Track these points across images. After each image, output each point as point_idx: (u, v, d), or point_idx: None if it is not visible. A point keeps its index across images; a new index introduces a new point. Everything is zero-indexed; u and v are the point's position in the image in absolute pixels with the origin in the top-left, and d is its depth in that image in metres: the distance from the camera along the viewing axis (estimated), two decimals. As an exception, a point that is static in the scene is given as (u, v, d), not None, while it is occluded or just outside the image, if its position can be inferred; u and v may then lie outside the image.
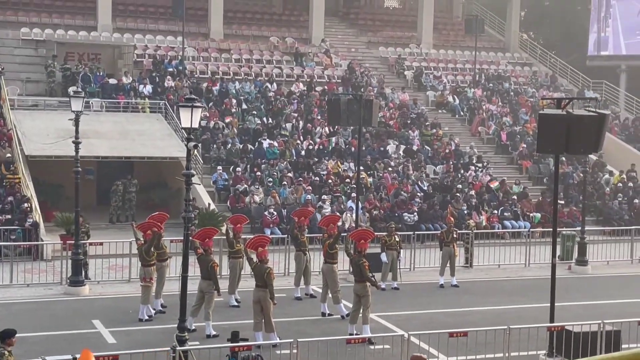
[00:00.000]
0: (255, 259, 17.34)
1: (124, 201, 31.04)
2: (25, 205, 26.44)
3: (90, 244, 23.49)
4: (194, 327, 17.66)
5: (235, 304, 20.40)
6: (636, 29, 46.36)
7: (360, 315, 17.69)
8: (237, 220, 22.04)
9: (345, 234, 21.94)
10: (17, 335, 12.74)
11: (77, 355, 13.28)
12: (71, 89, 28.80)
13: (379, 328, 18.38)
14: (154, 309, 19.47)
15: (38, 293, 21.88)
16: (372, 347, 15.74)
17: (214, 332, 17.33)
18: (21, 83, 35.57)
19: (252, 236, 25.69)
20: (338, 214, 27.80)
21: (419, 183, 33.43)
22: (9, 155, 29.20)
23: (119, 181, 31.19)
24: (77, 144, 21.86)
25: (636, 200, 33.99)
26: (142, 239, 19.66)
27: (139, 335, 17.58)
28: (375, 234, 23.43)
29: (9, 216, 25.98)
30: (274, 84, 38.97)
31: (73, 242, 22.00)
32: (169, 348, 14.09)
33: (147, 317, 19.00)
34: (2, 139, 29.85)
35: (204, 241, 18.25)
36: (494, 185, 34.04)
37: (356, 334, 17.03)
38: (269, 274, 16.86)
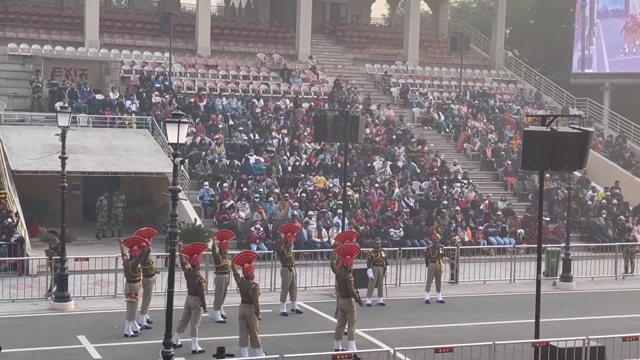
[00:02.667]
0: (241, 274, 17.32)
1: (110, 216, 30.99)
2: (9, 220, 26.34)
3: (76, 259, 23.38)
4: (179, 343, 17.59)
5: (221, 319, 20.31)
6: (619, 48, 46.69)
7: (346, 331, 17.68)
8: (224, 236, 21.92)
9: (331, 249, 21.95)
10: (2, 350, 12.68)
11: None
12: (58, 105, 28.86)
13: (365, 344, 18.33)
14: (140, 325, 19.36)
15: (23, 308, 21.72)
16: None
17: (199, 348, 17.23)
18: (8, 98, 35.46)
19: (238, 251, 25.74)
20: (298, 223, 27.93)
21: (405, 199, 33.46)
22: (-5, 170, 29.11)
23: (104, 196, 31.09)
24: (63, 159, 21.80)
25: (620, 217, 34.10)
26: (128, 254, 19.60)
27: (124, 351, 17.48)
28: (362, 249, 23.45)
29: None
30: (261, 100, 39.00)
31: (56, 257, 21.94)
32: (156, 363, 14.07)
33: (132, 333, 18.89)
34: (-12, 154, 29.74)
35: (192, 257, 18.20)
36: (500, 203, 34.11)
37: (342, 350, 16.99)
38: (254, 290, 16.79)
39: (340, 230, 26.77)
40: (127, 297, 19.31)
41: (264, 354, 15.82)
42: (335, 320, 18.89)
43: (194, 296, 17.64)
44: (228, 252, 21.26)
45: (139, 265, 19.21)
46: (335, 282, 18.96)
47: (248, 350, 16.45)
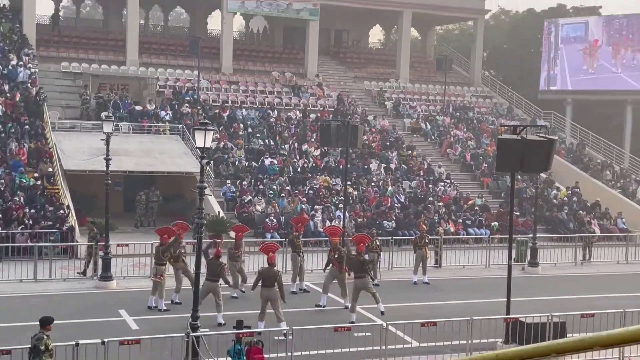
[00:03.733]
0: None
1: (146, 209, 31.13)
2: (62, 211, 26.44)
3: (118, 245, 23.51)
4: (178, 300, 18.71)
5: (236, 295, 20.52)
6: (580, 69, 46.69)
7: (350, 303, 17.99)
8: (239, 230, 22.29)
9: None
10: (54, 322, 12.70)
11: (106, 340, 13.27)
12: (103, 114, 28.83)
13: (362, 319, 18.37)
14: (172, 301, 19.49)
15: (73, 286, 21.86)
16: (355, 334, 15.69)
17: (223, 321, 17.35)
18: (61, 109, 35.65)
19: (254, 239, 25.84)
20: (306, 216, 28.08)
21: (397, 196, 33.49)
22: (50, 169, 29.21)
23: (142, 192, 31.31)
24: (107, 160, 21.85)
25: (580, 212, 34.09)
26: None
27: (158, 323, 17.55)
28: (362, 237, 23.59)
29: (50, 222, 25.94)
30: (275, 111, 39.06)
31: (104, 243, 22.02)
32: (183, 334, 14.07)
33: (154, 305, 19.02)
34: (45, 156, 29.84)
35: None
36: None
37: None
38: (280, 277, 17.22)
39: (341, 222, 26.84)
40: (153, 277, 19.42)
41: (285, 325, 15.88)
42: (342, 301, 19.00)
43: (214, 282, 17.69)
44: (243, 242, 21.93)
45: (167, 252, 19.29)
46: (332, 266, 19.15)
47: (264, 324, 16.52)
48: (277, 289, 16.97)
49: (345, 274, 19.72)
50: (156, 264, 19.37)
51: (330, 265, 20.44)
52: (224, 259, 18.84)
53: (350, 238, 22.62)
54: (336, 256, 20.03)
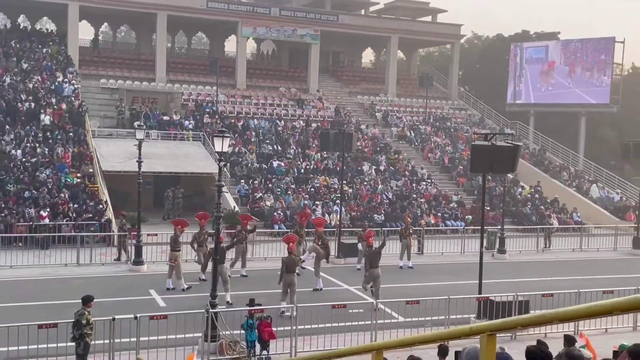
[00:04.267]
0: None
1: (173, 204, 31.15)
2: (101, 206, 26.47)
3: (148, 234, 23.50)
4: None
5: (243, 274, 20.72)
6: (541, 85, 46.68)
7: (373, 289, 17.84)
8: (245, 218, 22.68)
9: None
10: (94, 300, 12.71)
11: (138, 315, 13.26)
12: (136, 123, 28.87)
13: (355, 297, 18.36)
14: (200, 278, 19.55)
15: (110, 270, 21.88)
16: (350, 311, 15.68)
17: (230, 301, 17.23)
18: (100, 119, 35.66)
19: (265, 230, 25.77)
20: (308, 210, 28.16)
21: (385, 193, 33.48)
22: (90, 170, 29.25)
23: (169, 189, 31.34)
24: (139, 162, 21.87)
25: (541, 207, 34.08)
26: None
27: (182, 301, 17.55)
28: (354, 229, 23.62)
29: (90, 215, 25.97)
30: (282, 121, 39.04)
31: (136, 233, 22.04)
32: (204, 310, 14.06)
33: (172, 287, 19.02)
34: (86, 159, 29.87)
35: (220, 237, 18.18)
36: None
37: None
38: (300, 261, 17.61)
39: (338, 216, 26.84)
40: (168, 262, 19.45)
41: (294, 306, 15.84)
42: (364, 288, 18.48)
43: (223, 265, 17.64)
44: (248, 229, 22.04)
45: (197, 239, 19.44)
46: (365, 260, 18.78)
47: (286, 303, 16.41)
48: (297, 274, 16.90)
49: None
50: (171, 251, 19.39)
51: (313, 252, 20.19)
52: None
53: (362, 234, 22.71)
54: (320, 243, 20.10)
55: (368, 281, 17.94)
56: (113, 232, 25.21)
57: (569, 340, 10.88)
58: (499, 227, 27.92)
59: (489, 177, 34.71)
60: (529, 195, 36.24)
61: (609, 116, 46.66)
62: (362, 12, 50.18)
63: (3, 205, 25.39)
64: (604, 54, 44.60)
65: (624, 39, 44.27)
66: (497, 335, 3.57)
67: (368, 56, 62.65)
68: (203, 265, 19.76)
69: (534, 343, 4.75)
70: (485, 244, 24.43)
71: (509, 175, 31.97)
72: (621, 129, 48.05)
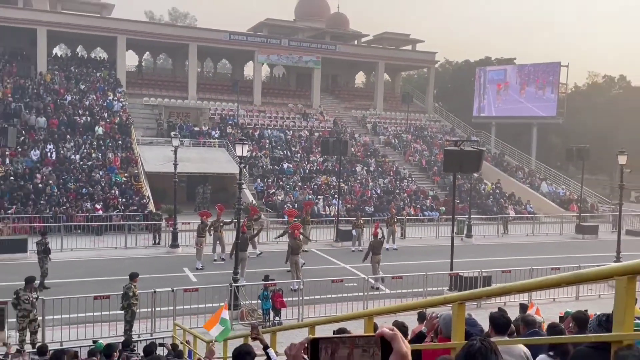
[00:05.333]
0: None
1: (202, 198, 31.08)
2: (144, 200, 26.43)
3: (182, 223, 23.46)
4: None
5: (257, 254, 20.58)
6: (500, 101, 46.62)
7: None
8: (253, 209, 23.01)
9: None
10: (139, 276, 12.72)
11: (176, 288, 13.26)
12: (172, 133, 28.84)
13: (349, 273, 18.33)
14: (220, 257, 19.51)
15: (151, 252, 21.88)
16: (346, 284, 15.67)
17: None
18: (143, 129, 35.58)
19: (278, 219, 25.61)
20: (312, 202, 28.08)
21: (374, 189, 33.41)
22: (135, 171, 29.21)
23: (199, 186, 31.27)
24: (175, 165, 21.88)
25: (500, 200, 34.01)
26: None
27: (211, 277, 17.53)
28: (349, 218, 23.57)
29: (135, 207, 25.97)
30: (290, 131, 38.95)
31: (172, 222, 22.02)
32: (228, 284, 14.07)
33: (201, 267, 18.96)
34: (132, 162, 29.84)
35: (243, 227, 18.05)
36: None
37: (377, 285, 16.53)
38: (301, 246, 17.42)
39: (336, 208, 26.79)
40: (196, 246, 19.44)
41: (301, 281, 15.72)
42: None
43: (243, 252, 17.50)
44: (259, 218, 22.43)
45: (213, 226, 19.40)
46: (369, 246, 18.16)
47: (297, 282, 16.11)
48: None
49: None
50: (197, 237, 19.38)
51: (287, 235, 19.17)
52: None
53: (356, 222, 22.80)
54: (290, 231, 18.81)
55: (375, 269, 17.23)
56: (153, 221, 25.23)
57: (524, 307, 10.84)
58: (467, 216, 27.89)
59: (459, 176, 34.67)
60: (491, 190, 36.17)
61: (555, 126, 46.60)
62: (355, 42, 50.06)
63: (65, 200, 25.40)
64: (551, 76, 44.56)
65: (567, 64, 44.29)
66: (466, 304, 3.57)
67: (360, 78, 62.55)
68: (231, 250, 19.00)
69: (496, 310, 4.74)
70: (455, 230, 24.36)
71: (474, 174, 31.93)
72: (566, 137, 47.98)
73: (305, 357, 1.14)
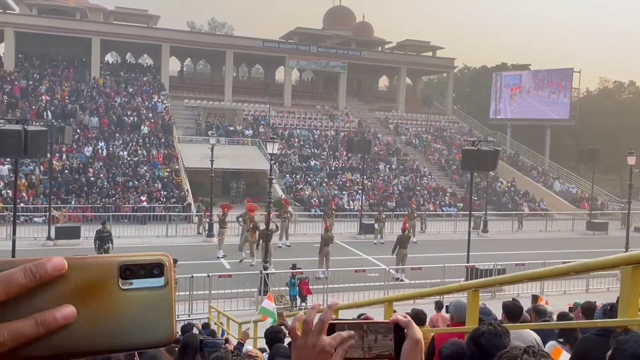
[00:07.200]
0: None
1: (237, 192, 31.29)
2: (183, 193, 26.74)
3: (217, 214, 23.55)
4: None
5: (287, 245, 20.53)
6: (515, 104, 45.84)
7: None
8: (285, 202, 23.30)
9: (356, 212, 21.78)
10: (178, 262, 12.91)
11: (211, 274, 13.41)
12: (210, 132, 29.11)
13: (371, 264, 18.28)
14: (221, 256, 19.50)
15: (189, 241, 22.15)
16: (368, 274, 15.61)
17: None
18: (183, 129, 35.99)
19: (305, 213, 25.64)
20: (337, 198, 27.89)
21: (396, 186, 33.20)
22: (176, 167, 29.59)
23: (234, 181, 31.47)
24: (212, 161, 22.12)
25: (515, 197, 33.46)
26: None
27: (242, 265, 17.66)
28: (372, 213, 23.45)
29: (175, 199, 26.31)
30: (318, 131, 38.94)
31: (209, 213, 22.24)
32: (258, 272, 14.17)
33: (222, 255, 18.69)
34: (173, 158, 30.23)
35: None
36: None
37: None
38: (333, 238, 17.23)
39: (359, 203, 26.69)
40: (217, 236, 19.49)
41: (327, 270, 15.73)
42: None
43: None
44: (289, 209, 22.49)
45: (226, 220, 19.31)
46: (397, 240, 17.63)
47: (322, 272, 16.07)
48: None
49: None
50: (220, 228, 19.39)
51: (247, 232, 18.59)
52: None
53: (378, 216, 22.85)
54: (251, 225, 18.38)
55: (398, 261, 16.86)
56: (192, 212, 25.52)
57: (535, 298, 10.65)
58: (483, 212, 27.53)
59: (476, 174, 34.22)
60: (506, 188, 35.60)
61: (568, 128, 45.62)
62: (379, 49, 49.75)
63: (114, 192, 25.93)
64: (564, 81, 43.64)
65: (580, 70, 43.36)
66: (480, 293, 3.53)
67: (383, 82, 62.10)
68: (257, 241, 18.35)
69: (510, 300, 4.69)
70: (472, 225, 24.11)
71: (490, 172, 31.48)
72: (578, 138, 46.90)
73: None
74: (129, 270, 0.63)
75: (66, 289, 0.58)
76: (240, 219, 19.69)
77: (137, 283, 0.63)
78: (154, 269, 0.65)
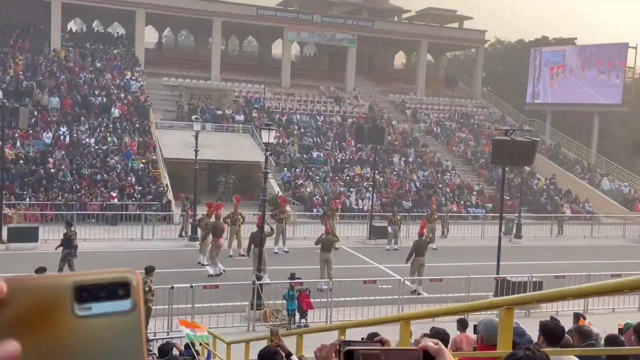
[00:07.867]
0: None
1: (225, 188, 31.37)
2: (161, 189, 26.83)
3: (203, 214, 23.61)
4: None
5: (284, 251, 20.73)
6: (558, 86, 45.72)
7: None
8: (283, 200, 23.16)
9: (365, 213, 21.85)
10: (155, 270, 12.94)
11: (195, 284, 13.47)
12: (193, 117, 29.15)
13: (384, 274, 18.32)
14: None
15: (169, 245, 22.20)
16: (380, 286, 15.66)
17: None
18: (162, 112, 36.06)
19: (305, 213, 25.74)
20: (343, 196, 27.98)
21: (413, 182, 33.25)
22: (153, 157, 29.65)
23: (222, 175, 31.56)
24: (196, 151, 22.15)
25: (555, 197, 33.49)
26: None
27: (231, 274, 17.69)
28: (384, 214, 23.49)
29: (152, 196, 26.38)
30: (322, 116, 39.01)
31: (192, 212, 22.30)
32: (251, 282, 14.22)
33: (207, 263, 18.74)
34: (150, 147, 30.29)
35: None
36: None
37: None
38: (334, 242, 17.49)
39: (370, 202, 26.74)
40: (212, 242, 19.36)
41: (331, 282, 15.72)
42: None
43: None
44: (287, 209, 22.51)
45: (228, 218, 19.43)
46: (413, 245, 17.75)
47: (324, 283, 16.09)
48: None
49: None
50: (205, 232, 19.23)
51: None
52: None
53: (392, 218, 23.05)
54: (205, 227, 18.56)
55: (413, 271, 16.95)
56: (172, 211, 25.58)
57: (578, 317, 10.68)
58: (517, 214, 27.57)
59: (508, 169, 34.23)
60: (545, 186, 35.63)
61: (620, 115, 45.43)
62: (395, 18, 49.70)
63: (78, 187, 26.00)
64: (617, 58, 43.44)
65: (636, 45, 43.03)
66: (515, 310, 3.54)
67: (400, 58, 61.97)
68: (248, 246, 18.54)
69: (548, 319, 4.70)
70: (503, 229, 24.09)
71: (526, 167, 31.44)
72: (632, 127, 46.74)
73: None
74: (87, 292, 0.59)
75: (7, 318, 0.55)
76: (228, 220, 19.78)
77: (97, 308, 0.59)
78: (117, 289, 0.60)
